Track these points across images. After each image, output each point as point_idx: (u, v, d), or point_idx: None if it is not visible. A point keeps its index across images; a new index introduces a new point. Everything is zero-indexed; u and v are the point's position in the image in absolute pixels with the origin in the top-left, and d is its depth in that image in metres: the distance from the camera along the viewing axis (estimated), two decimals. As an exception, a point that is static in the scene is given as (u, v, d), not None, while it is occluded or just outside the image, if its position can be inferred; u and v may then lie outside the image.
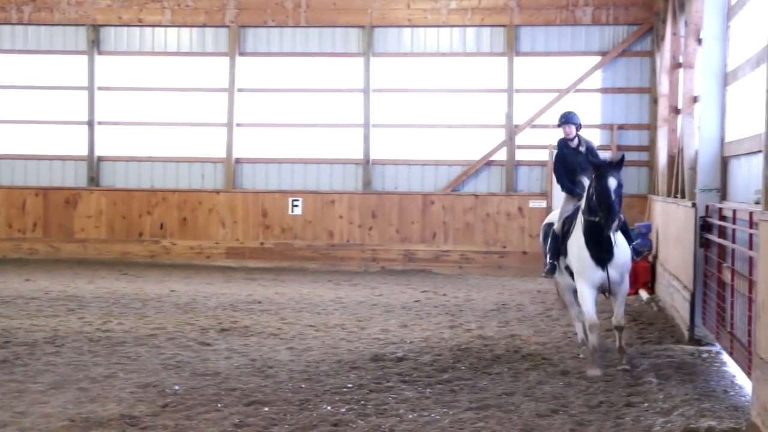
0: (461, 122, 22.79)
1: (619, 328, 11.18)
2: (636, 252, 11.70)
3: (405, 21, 22.83)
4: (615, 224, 10.43)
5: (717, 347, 11.98)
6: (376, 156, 23.01)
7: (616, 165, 10.74)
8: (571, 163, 11.74)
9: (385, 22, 22.89)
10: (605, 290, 11.18)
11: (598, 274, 10.93)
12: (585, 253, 10.95)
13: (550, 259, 11.75)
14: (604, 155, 11.90)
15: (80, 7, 23.63)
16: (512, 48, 22.43)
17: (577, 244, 11.11)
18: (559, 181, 12.01)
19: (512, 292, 18.64)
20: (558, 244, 11.58)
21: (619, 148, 21.88)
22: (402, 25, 22.90)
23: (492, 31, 22.65)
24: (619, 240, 10.94)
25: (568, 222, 11.45)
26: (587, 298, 11.02)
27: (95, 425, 8.29)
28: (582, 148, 11.74)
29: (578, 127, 11.82)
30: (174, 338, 12.79)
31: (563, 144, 11.91)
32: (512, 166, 22.41)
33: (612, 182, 10.48)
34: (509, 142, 22.39)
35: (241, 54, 23.44)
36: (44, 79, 24.05)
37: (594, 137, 22.13)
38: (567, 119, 11.85)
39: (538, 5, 22.25)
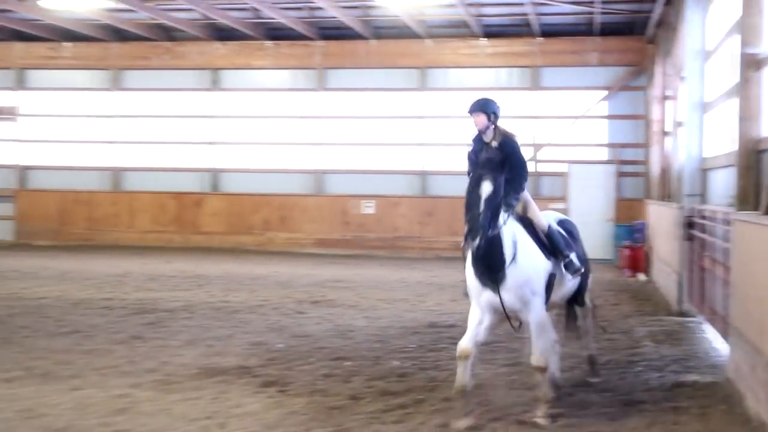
0: (496, 142, 22.63)
1: (540, 369, 6.89)
2: (571, 267, 7.30)
3: (451, 63, 22.74)
4: (477, 241, 6.36)
5: (700, 318, 11.84)
6: (431, 168, 22.96)
7: (498, 168, 6.66)
8: (480, 161, 6.90)
9: (436, 64, 22.82)
10: (508, 317, 6.91)
11: (486, 295, 6.83)
12: (470, 270, 6.90)
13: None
14: (526, 154, 7.20)
15: (204, 55, 23.94)
16: (536, 84, 22.25)
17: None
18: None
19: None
20: None
21: (622, 162, 21.67)
22: (449, 66, 22.80)
23: (520, 70, 22.46)
24: (520, 257, 6.76)
25: None
26: (470, 318, 6.99)
27: (219, 372, 8.41)
28: (495, 143, 7.01)
29: (492, 116, 7.00)
30: (277, 308, 12.89)
31: (476, 138, 7.18)
32: (537, 176, 22.19)
33: (485, 188, 6.45)
34: (534, 158, 22.19)
35: (326, 89, 23.55)
36: (177, 110, 24.35)
37: (602, 154, 21.89)
38: (476, 107, 7.06)
39: (556, 51, 22.02)
